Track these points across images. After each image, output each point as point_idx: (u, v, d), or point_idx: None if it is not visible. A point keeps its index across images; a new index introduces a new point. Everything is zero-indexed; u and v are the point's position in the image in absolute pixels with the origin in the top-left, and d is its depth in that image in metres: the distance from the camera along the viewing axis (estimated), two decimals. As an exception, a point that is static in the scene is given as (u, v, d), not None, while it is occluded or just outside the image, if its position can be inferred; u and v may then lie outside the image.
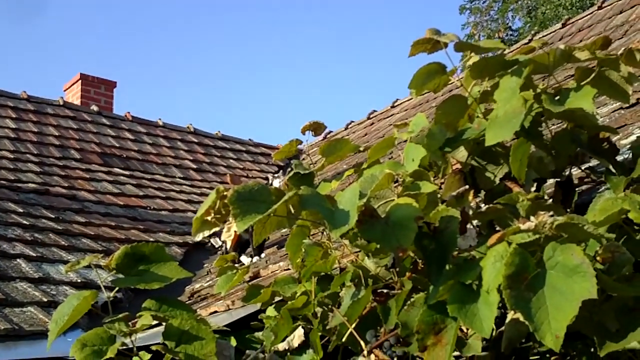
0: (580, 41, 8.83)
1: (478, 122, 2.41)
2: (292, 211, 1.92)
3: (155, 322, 2.10)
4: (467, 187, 2.11)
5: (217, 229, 1.95)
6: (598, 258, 1.88)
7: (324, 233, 2.51)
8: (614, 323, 1.85)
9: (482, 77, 2.38)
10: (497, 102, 2.25)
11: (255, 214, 1.80)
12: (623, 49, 2.35)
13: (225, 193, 1.86)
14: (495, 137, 2.20)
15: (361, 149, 2.63)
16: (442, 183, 2.44)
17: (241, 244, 6.57)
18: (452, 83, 2.56)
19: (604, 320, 1.86)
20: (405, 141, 2.52)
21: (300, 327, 2.53)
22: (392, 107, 11.88)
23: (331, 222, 1.85)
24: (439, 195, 2.18)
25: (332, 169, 8.08)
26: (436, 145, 2.34)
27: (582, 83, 2.26)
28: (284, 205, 1.85)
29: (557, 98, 2.27)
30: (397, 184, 2.30)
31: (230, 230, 1.98)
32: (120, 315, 2.06)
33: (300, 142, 2.67)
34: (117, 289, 2.12)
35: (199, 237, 1.98)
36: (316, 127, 2.65)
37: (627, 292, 1.84)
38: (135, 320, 2.12)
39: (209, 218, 1.91)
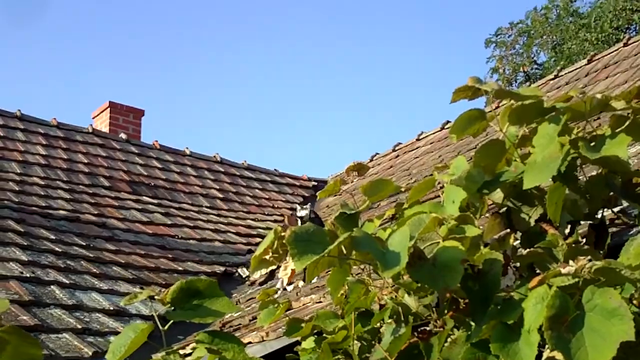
0: (606, 77, 8.92)
1: (515, 166, 2.50)
2: (344, 251, 2.03)
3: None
4: (508, 230, 2.21)
5: (273, 267, 2.06)
6: (634, 301, 1.96)
7: (364, 269, 2.60)
8: (649, 364, 1.94)
9: (520, 122, 2.48)
10: (536, 148, 2.34)
11: (312, 254, 1.91)
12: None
13: (283, 233, 1.97)
14: (533, 181, 2.29)
15: (402, 189, 2.73)
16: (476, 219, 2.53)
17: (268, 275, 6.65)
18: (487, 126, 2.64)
19: (640, 361, 1.94)
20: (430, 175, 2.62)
21: (340, 361, 2.61)
22: (417, 139, 11.99)
23: (383, 263, 1.96)
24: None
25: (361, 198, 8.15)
26: (475, 187, 2.44)
27: (617, 130, 2.35)
28: (337, 245, 1.96)
29: (592, 144, 2.36)
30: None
31: (287, 269, 2.08)
32: (175, 347, 2.15)
33: (345, 183, 2.77)
34: (171, 321, 2.21)
35: (256, 275, 2.09)
36: (360, 168, 2.75)
37: (662, 335, 1.92)
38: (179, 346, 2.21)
39: (267, 257, 2.02)
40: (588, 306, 1.88)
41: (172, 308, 2.20)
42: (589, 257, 1.99)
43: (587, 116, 2.42)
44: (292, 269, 2.14)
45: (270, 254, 2.03)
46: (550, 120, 2.36)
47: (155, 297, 2.26)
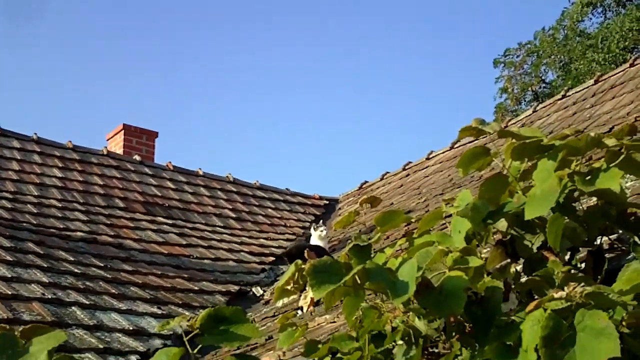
0: (613, 98, 9.08)
1: (517, 197, 2.69)
2: (359, 281, 2.23)
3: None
4: (509, 260, 2.40)
5: (295, 296, 2.26)
6: (624, 323, 2.15)
7: (377, 294, 2.79)
8: (639, 381, 2.13)
9: (521, 158, 2.67)
10: (536, 182, 2.53)
11: (329, 284, 2.12)
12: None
13: (303, 266, 2.17)
14: (533, 213, 2.48)
15: (413, 219, 2.93)
16: (481, 247, 2.72)
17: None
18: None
19: (629, 378, 2.13)
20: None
21: (354, 380, 2.78)
22: (427, 159, 12.16)
23: (393, 292, 2.16)
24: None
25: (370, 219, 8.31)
26: (480, 218, 2.63)
27: (611, 165, 2.54)
28: (352, 276, 2.16)
29: (588, 178, 2.54)
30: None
31: (307, 297, 2.28)
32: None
33: (359, 214, 2.96)
34: (200, 345, 2.39)
35: (279, 303, 2.28)
36: (373, 200, 2.96)
37: (651, 354, 2.12)
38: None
39: (288, 287, 2.23)
40: (579, 327, 2.06)
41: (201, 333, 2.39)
42: (582, 283, 2.19)
43: (583, 152, 2.60)
44: (311, 297, 2.34)
45: (292, 284, 2.23)
46: (549, 156, 2.55)
47: (186, 323, 2.45)
